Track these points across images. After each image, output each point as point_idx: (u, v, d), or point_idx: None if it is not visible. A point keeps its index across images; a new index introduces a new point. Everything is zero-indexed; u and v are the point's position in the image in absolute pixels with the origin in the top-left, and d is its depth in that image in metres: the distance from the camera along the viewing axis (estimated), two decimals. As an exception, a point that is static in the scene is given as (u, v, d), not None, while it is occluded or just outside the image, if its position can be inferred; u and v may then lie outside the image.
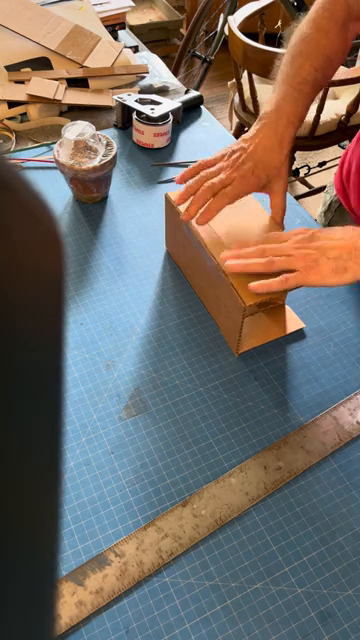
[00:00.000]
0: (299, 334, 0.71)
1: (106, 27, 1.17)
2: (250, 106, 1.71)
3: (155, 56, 1.22)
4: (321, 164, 1.92)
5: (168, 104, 0.97)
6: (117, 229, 0.84)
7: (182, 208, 0.68)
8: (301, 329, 0.71)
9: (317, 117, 1.56)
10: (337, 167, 0.91)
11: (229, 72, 2.56)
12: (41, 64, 1.07)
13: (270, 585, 0.51)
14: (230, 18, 1.54)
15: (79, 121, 0.81)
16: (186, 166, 0.94)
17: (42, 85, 1.02)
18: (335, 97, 1.79)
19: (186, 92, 1.09)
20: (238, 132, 1.83)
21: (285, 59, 0.69)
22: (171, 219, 0.74)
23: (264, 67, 1.46)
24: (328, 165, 1.96)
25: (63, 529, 0.54)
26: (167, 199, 0.72)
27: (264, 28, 1.76)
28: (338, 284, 0.56)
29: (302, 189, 2.06)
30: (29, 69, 1.06)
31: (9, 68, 1.04)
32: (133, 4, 1.28)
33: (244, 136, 0.68)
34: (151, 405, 0.63)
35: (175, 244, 0.77)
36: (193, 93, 1.07)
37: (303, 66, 0.66)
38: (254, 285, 0.58)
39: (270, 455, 0.59)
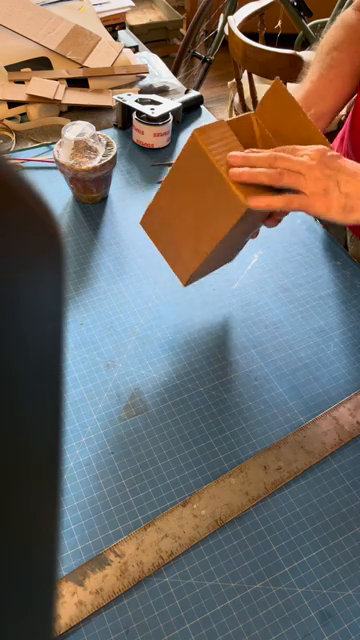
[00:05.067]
0: (299, 334, 0.71)
1: (106, 27, 1.17)
2: (250, 106, 1.71)
3: (155, 56, 1.22)
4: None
5: (168, 104, 0.97)
6: (117, 229, 0.84)
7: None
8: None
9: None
10: None
11: (229, 72, 2.57)
12: (41, 64, 1.07)
13: (270, 585, 0.51)
14: (230, 18, 1.54)
15: (79, 121, 0.81)
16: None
17: (42, 85, 1.02)
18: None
19: (186, 92, 1.09)
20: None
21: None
22: (159, 234, 0.67)
23: (264, 67, 1.46)
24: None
25: (63, 529, 0.54)
26: (145, 221, 0.65)
27: (264, 28, 1.76)
28: (341, 222, 0.54)
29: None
30: (29, 69, 1.06)
31: (9, 68, 1.04)
32: (133, 4, 1.28)
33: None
34: (151, 405, 0.63)
35: (179, 258, 0.66)
36: (193, 93, 1.07)
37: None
38: (255, 200, 0.53)
39: (270, 455, 0.59)
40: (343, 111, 1.64)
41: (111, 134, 1.00)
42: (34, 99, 1.00)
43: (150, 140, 0.96)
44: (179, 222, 0.62)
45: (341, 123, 1.63)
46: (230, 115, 1.91)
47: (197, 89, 2.32)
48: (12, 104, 1.01)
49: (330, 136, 1.82)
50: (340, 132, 0.86)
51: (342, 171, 0.53)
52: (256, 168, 0.54)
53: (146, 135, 0.95)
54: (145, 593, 0.50)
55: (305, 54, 1.45)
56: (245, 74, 1.63)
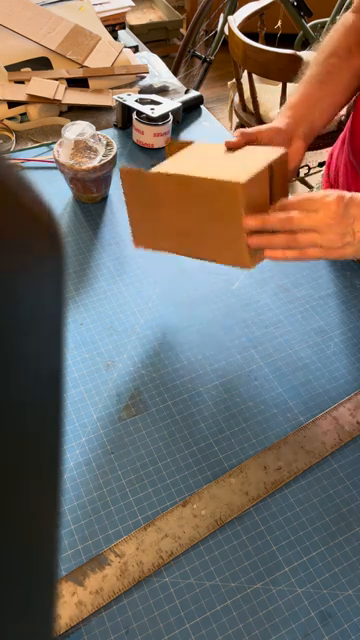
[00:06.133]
0: (299, 334, 0.71)
1: (106, 27, 1.17)
2: (250, 106, 1.71)
3: (155, 56, 1.22)
4: (321, 164, 1.92)
5: (168, 104, 0.97)
6: (117, 229, 0.84)
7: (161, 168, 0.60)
8: None
9: (317, 117, 1.56)
10: (324, 167, 0.92)
11: (229, 72, 2.56)
12: (41, 64, 1.07)
13: (270, 585, 0.51)
14: (230, 18, 1.54)
15: (79, 121, 0.81)
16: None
17: (42, 85, 1.02)
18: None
19: (186, 92, 1.09)
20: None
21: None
22: (138, 198, 0.63)
23: (264, 67, 1.46)
24: (328, 165, 1.95)
25: (63, 529, 0.54)
26: (127, 175, 0.60)
27: (264, 28, 1.76)
28: (352, 257, 0.57)
29: (302, 189, 2.06)
30: (29, 69, 1.06)
31: (9, 68, 1.04)
32: (133, 4, 1.28)
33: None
34: (151, 405, 0.63)
35: (148, 227, 0.65)
36: (193, 93, 1.07)
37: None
38: (269, 253, 0.56)
39: (270, 455, 0.59)
40: (343, 111, 1.64)
41: (111, 134, 1.00)
42: (34, 99, 1.00)
43: (150, 140, 0.96)
44: (174, 213, 0.61)
45: (341, 123, 1.63)
46: (230, 115, 1.91)
47: (197, 89, 2.31)
48: (12, 104, 1.01)
49: (330, 137, 1.82)
50: (341, 135, 0.86)
51: (358, 218, 0.54)
52: (272, 234, 0.55)
53: (146, 135, 0.95)
54: (145, 593, 0.50)
55: (305, 54, 1.45)
56: (245, 74, 1.63)
